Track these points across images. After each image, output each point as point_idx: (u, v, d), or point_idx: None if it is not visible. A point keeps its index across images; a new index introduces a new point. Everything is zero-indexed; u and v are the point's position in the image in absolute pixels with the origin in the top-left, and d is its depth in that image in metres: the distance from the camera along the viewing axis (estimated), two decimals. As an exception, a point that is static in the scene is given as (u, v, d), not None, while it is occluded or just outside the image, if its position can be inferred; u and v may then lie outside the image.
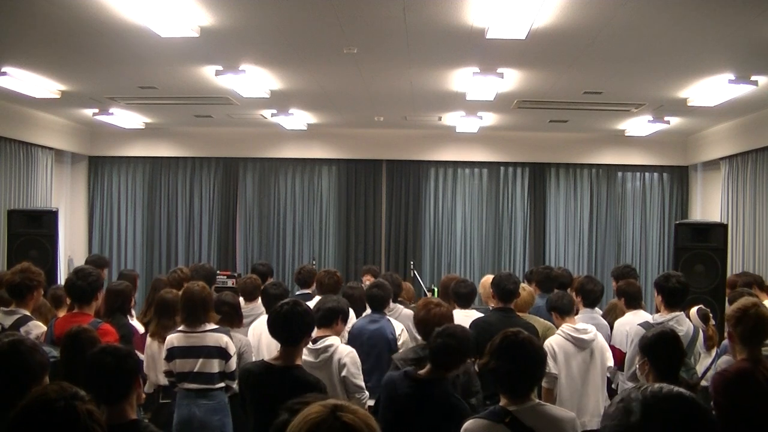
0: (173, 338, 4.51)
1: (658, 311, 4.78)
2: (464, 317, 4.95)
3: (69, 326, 3.79)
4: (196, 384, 4.41)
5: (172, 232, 11.23)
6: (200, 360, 4.41)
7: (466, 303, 5.37)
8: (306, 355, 4.00)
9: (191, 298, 4.50)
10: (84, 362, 3.46)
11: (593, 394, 4.75)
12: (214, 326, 4.53)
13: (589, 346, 4.75)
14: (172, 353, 4.48)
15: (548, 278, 6.30)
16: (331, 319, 4.31)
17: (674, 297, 4.63)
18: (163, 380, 4.71)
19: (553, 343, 4.70)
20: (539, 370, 2.95)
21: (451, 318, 4.17)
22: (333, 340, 4.23)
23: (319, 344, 4.16)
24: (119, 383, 2.75)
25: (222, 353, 4.44)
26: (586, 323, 4.95)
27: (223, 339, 4.47)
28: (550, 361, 4.47)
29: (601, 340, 4.87)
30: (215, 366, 4.42)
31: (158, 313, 5.00)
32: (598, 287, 5.61)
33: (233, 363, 4.48)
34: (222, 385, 4.48)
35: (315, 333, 4.03)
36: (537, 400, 2.91)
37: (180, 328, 4.53)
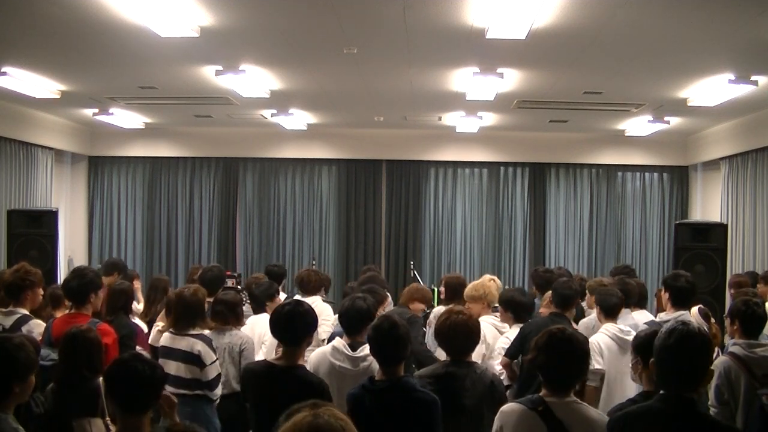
0: (163, 337, 4.48)
1: (662, 310, 4.76)
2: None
3: (66, 327, 3.77)
4: (171, 387, 4.19)
5: (172, 232, 11.22)
6: (176, 363, 4.30)
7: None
8: (342, 362, 3.84)
9: (181, 302, 4.43)
10: (81, 363, 3.46)
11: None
12: (198, 331, 4.39)
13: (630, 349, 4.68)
14: (159, 353, 4.44)
15: (549, 282, 6.08)
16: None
17: (682, 296, 4.63)
18: None
19: (599, 340, 4.58)
20: (580, 366, 2.98)
21: (468, 325, 3.68)
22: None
23: (359, 352, 3.86)
24: (149, 393, 2.69)
25: (194, 359, 4.29)
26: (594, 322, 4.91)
27: (197, 345, 4.31)
28: (596, 357, 4.40)
29: None
30: (188, 372, 4.29)
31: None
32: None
33: (210, 371, 4.29)
34: (200, 392, 4.30)
35: (346, 339, 3.91)
36: (575, 398, 2.95)
37: (170, 329, 4.47)
